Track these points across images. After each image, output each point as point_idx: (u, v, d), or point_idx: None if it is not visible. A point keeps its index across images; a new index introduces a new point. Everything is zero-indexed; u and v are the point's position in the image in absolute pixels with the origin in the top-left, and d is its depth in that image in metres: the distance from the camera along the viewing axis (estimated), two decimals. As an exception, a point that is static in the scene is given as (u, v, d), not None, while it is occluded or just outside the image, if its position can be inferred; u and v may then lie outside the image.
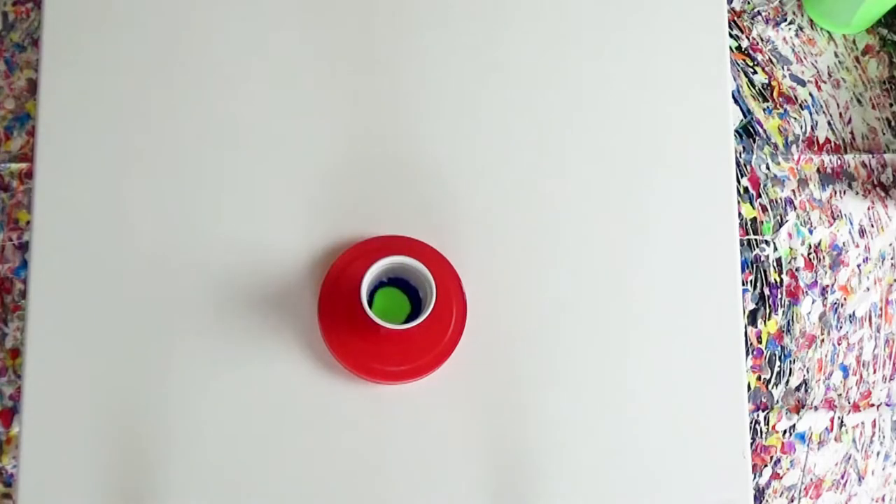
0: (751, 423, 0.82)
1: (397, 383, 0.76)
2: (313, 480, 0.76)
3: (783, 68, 0.90)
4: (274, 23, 0.83)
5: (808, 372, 0.84)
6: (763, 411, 0.83)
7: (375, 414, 0.77)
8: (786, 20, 0.91)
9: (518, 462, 0.77)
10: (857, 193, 0.88)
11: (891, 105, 0.88)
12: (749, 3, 0.91)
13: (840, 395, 0.84)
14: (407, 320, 0.72)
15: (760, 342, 0.84)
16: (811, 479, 0.83)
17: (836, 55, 0.91)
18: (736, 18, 0.91)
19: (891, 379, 0.85)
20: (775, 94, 0.90)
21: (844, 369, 0.85)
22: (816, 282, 0.86)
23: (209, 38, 0.83)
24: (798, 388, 0.84)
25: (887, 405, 0.85)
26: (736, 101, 0.88)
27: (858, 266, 0.87)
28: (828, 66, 0.91)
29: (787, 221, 0.87)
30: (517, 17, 0.85)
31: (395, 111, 0.82)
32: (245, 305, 0.78)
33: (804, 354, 0.85)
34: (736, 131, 0.87)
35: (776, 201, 0.87)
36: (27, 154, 0.83)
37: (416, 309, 0.75)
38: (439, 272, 0.75)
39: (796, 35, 0.91)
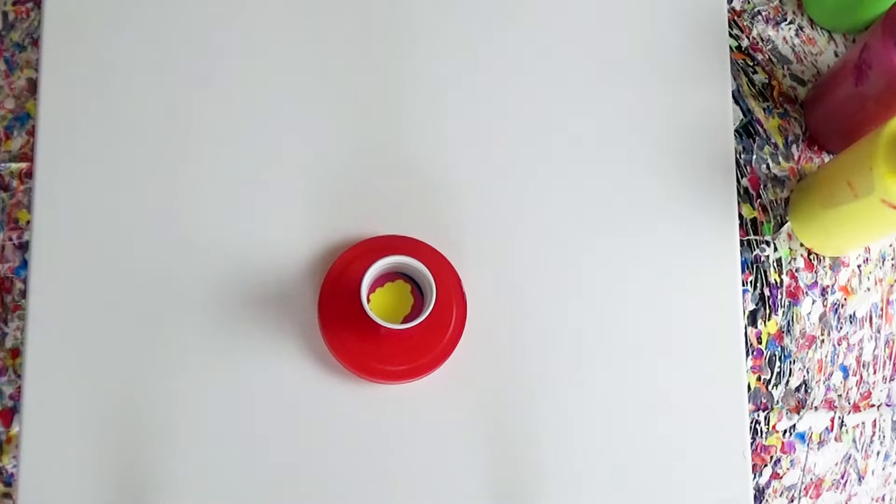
0: (751, 423, 0.82)
1: (397, 383, 0.76)
2: (313, 480, 0.76)
3: (783, 68, 0.90)
4: (275, 24, 0.83)
5: (808, 372, 0.84)
6: (763, 411, 0.83)
7: (375, 414, 0.77)
8: (786, 20, 0.91)
9: (518, 462, 0.77)
10: (858, 193, 0.87)
11: (891, 105, 0.87)
12: (749, 2, 0.91)
13: (840, 395, 0.84)
14: (407, 320, 0.72)
15: (760, 343, 0.84)
16: (811, 479, 0.83)
17: (836, 55, 0.91)
18: (736, 18, 0.90)
19: (891, 379, 0.85)
20: (775, 93, 0.90)
21: (844, 370, 0.85)
22: (816, 282, 0.86)
23: (210, 38, 0.83)
24: (798, 389, 0.84)
25: (887, 405, 0.85)
26: (736, 101, 0.88)
27: (859, 267, 0.87)
28: (828, 66, 0.91)
29: (787, 222, 0.87)
30: (518, 21, 0.85)
31: (395, 111, 0.82)
32: (245, 305, 0.78)
33: (804, 355, 0.85)
34: (736, 131, 0.87)
35: (776, 201, 0.87)
36: (27, 154, 0.83)
37: (419, 304, 0.75)
38: (439, 272, 0.75)
39: (796, 35, 0.91)
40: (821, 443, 0.84)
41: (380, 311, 0.74)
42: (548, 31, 0.85)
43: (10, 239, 0.81)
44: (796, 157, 0.88)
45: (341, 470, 0.76)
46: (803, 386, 0.84)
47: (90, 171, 0.79)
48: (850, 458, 0.84)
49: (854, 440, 0.84)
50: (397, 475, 0.76)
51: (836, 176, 0.78)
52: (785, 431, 0.83)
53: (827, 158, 0.89)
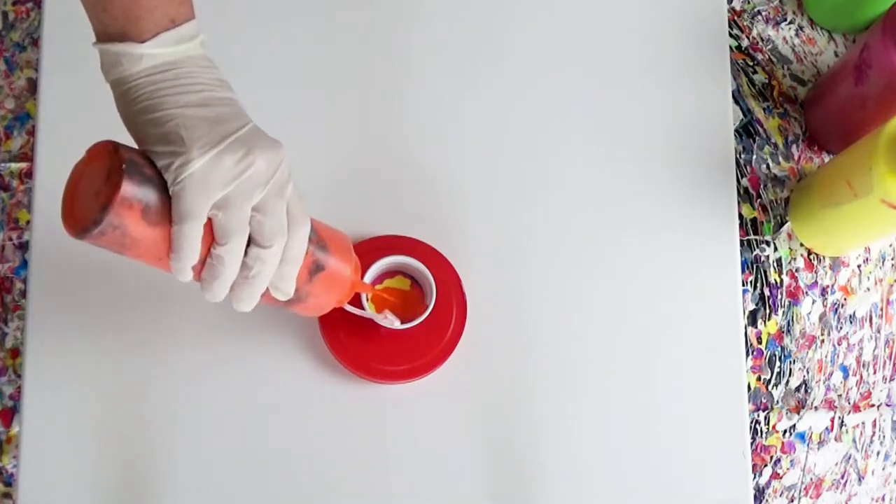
0: (751, 423, 0.82)
1: (397, 383, 0.76)
2: (313, 480, 0.76)
3: (783, 68, 0.90)
4: (277, 25, 0.83)
5: (808, 372, 0.84)
6: (763, 411, 0.83)
7: (375, 414, 0.77)
8: (786, 20, 0.91)
9: (518, 462, 0.77)
10: (858, 193, 0.87)
11: (891, 105, 0.87)
12: (749, 2, 0.91)
13: (840, 395, 0.84)
14: (407, 320, 0.72)
15: (760, 342, 0.84)
16: (811, 479, 0.83)
17: (836, 55, 0.91)
18: (736, 18, 0.91)
19: (891, 379, 0.85)
20: (775, 93, 0.90)
21: (844, 370, 0.85)
22: (816, 282, 0.86)
23: (211, 38, 0.83)
24: (798, 389, 0.84)
25: (887, 405, 0.85)
26: (736, 101, 0.88)
27: (859, 266, 0.87)
28: (828, 66, 0.91)
29: (787, 222, 0.87)
30: (519, 22, 0.85)
31: (396, 112, 0.82)
32: (245, 305, 0.77)
33: (804, 355, 0.85)
34: (736, 131, 0.87)
35: (776, 201, 0.87)
36: (27, 154, 0.83)
37: (420, 300, 0.75)
38: (439, 272, 0.75)
39: (796, 34, 0.91)
40: (821, 443, 0.84)
41: (380, 310, 0.74)
42: (548, 31, 0.85)
43: (10, 239, 0.81)
44: (796, 157, 0.88)
45: (341, 470, 0.76)
46: (803, 386, 0.84)
47: (90, 171, 0.79)
48: (850, 458, 0.84)
49: (854, 440, 0.84)
50: (397, 475, 0.76)
51: (836, 176, 0.78)
52: (785, 431, 0.83)
53: (827, 158, 0.89)
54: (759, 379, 0.84)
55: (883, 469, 0.84)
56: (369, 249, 0.76)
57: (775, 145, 0.88)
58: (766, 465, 0.83)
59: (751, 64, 0.90)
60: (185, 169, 0.51)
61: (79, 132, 0.79)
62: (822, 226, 0.83)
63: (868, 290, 0.86)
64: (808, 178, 0.86)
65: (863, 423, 0.84)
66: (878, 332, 0.85)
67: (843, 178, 0.76)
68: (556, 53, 0.84)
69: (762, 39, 0.90)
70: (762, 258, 0.86)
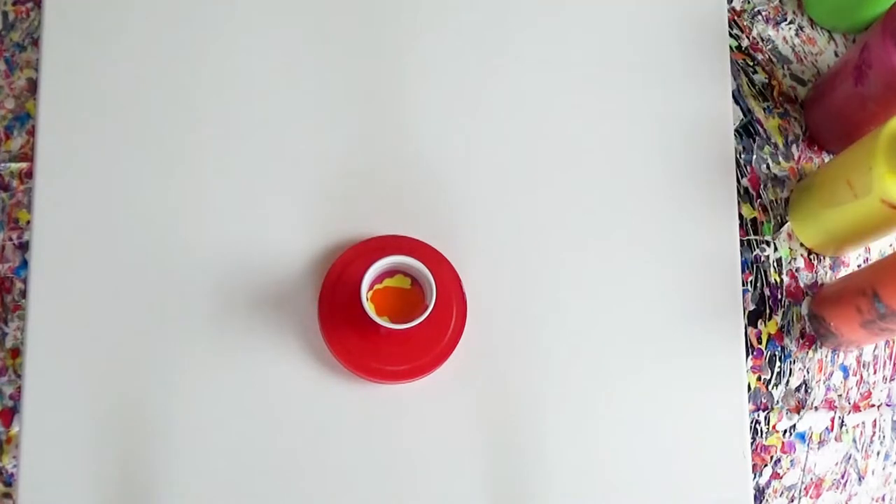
0: (751, 423, 0.82)
1: (397, 383, 0.76)
2: (313, 480, 0.76)
3: (783, 68, 0.90)
4: (276, 22, 0.83)
5: (808, 372, 0.84)
6: (763, 411, 0.83)
7: (375, 414, 0.77)
8: (786, 20, 0.91)
9: (518, 462, 0.77)
10: (858, 193, 0.87)
11: (891, 105, 0.87)
12: (749, 2, 0.91)
13: (840, 395, 0.84)
14: (407, 320, 0.72)
15: (760, 343, 0.84)
16: (811, 479, 0.83)
17: (836, 55, 0.91)
18: (736, 18, 0.90)
19: (891, 379, 0.85)
20: (775, 93, 0.90)
21: (845, 370, 0.85)
22: (816, 282, 0.86)
23: (210, 37, 0.83)
24: (798, 389, 0.84)
25: (887, 405, 0.85)
26: (736, 101, 0.88)
27: (859, 266, 0.87)
28: (828, 66, 0.91)
29: (787, 222, 0.87)
30: (520, 22, 0.85)
31: (395, 111, 0.82)
32: (245, 305, 0.78)
33: (804, 355, 0.85)
34: (736, 131, 0.87)
35: (776, 201, 0.87)
36: (27, 154, 0.83)
37: (420, 299, 0.75)
38: (439, 272, 0.75)
39: (796, 34, 0.91)
40: (821, 443, 0.84)
41: (380, 310, 0.74)
42: (549, 32, 0.85)
43: (10, 239, 0.81)
44: (796, 157, 0.88)
45: (341, 470, 0.76)
46: (803, 386, 0.84)
47: (90, 171, 0.79)
48: (850, 457, 0.84)
49: (854, 440, 0.84)
50: (397, 475, 0.76)
51: (836, 176, 0.78)
52: (785, 431, 0.83)
53: (827, 158, 0.89)
54: (759, 379, 0.84)
55: (883, 469, 0.84)
56: (369, 249, 0.77)
57: (775, 145, 0.88)
58: (766, 465, 0.83)
59: (751, 64, 0.90)
60: None
61: (79, 132, 0.80)
62: (822, 226, 0.83)
63: (868, 290, 0.86)
64: (808, 178, 0.86)
65: (863, 423, 0.84)
66: (878, 332, 0.85)
67: (843, 178, 0.76)
68: (556, 54, 0.84)
69: (762, 39, 0.90)
70: (762, 258, 0.86)
